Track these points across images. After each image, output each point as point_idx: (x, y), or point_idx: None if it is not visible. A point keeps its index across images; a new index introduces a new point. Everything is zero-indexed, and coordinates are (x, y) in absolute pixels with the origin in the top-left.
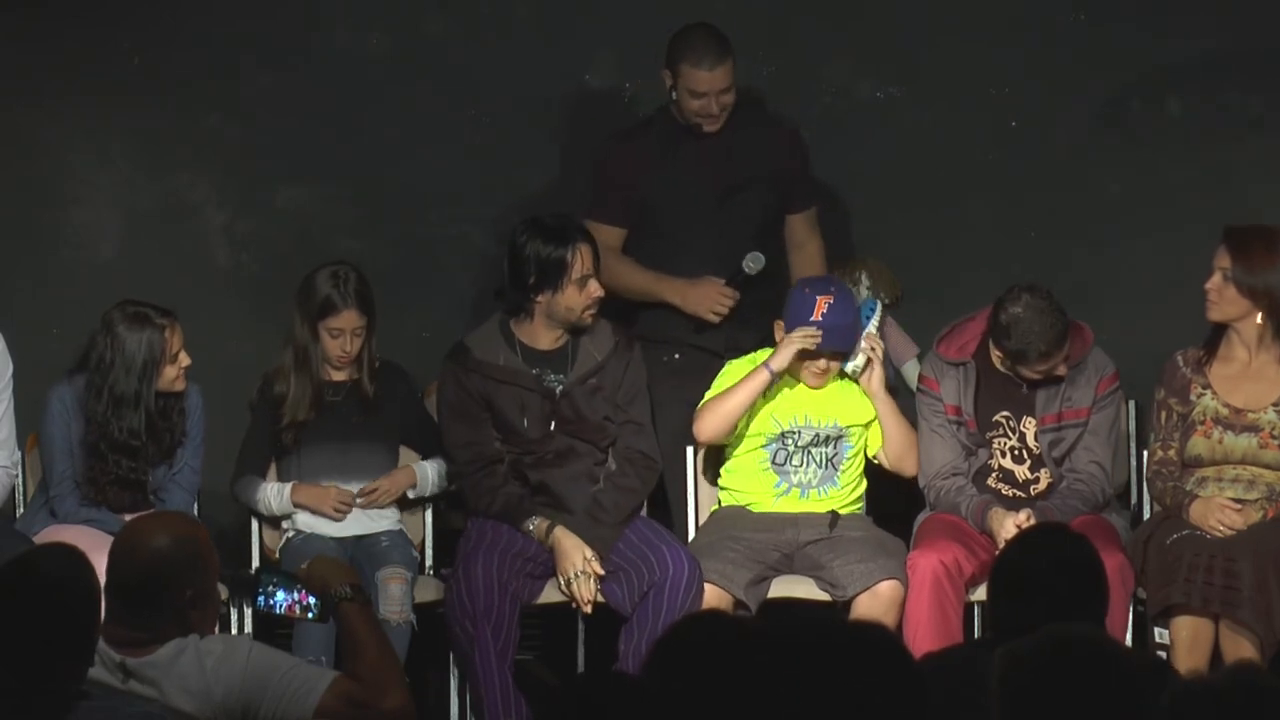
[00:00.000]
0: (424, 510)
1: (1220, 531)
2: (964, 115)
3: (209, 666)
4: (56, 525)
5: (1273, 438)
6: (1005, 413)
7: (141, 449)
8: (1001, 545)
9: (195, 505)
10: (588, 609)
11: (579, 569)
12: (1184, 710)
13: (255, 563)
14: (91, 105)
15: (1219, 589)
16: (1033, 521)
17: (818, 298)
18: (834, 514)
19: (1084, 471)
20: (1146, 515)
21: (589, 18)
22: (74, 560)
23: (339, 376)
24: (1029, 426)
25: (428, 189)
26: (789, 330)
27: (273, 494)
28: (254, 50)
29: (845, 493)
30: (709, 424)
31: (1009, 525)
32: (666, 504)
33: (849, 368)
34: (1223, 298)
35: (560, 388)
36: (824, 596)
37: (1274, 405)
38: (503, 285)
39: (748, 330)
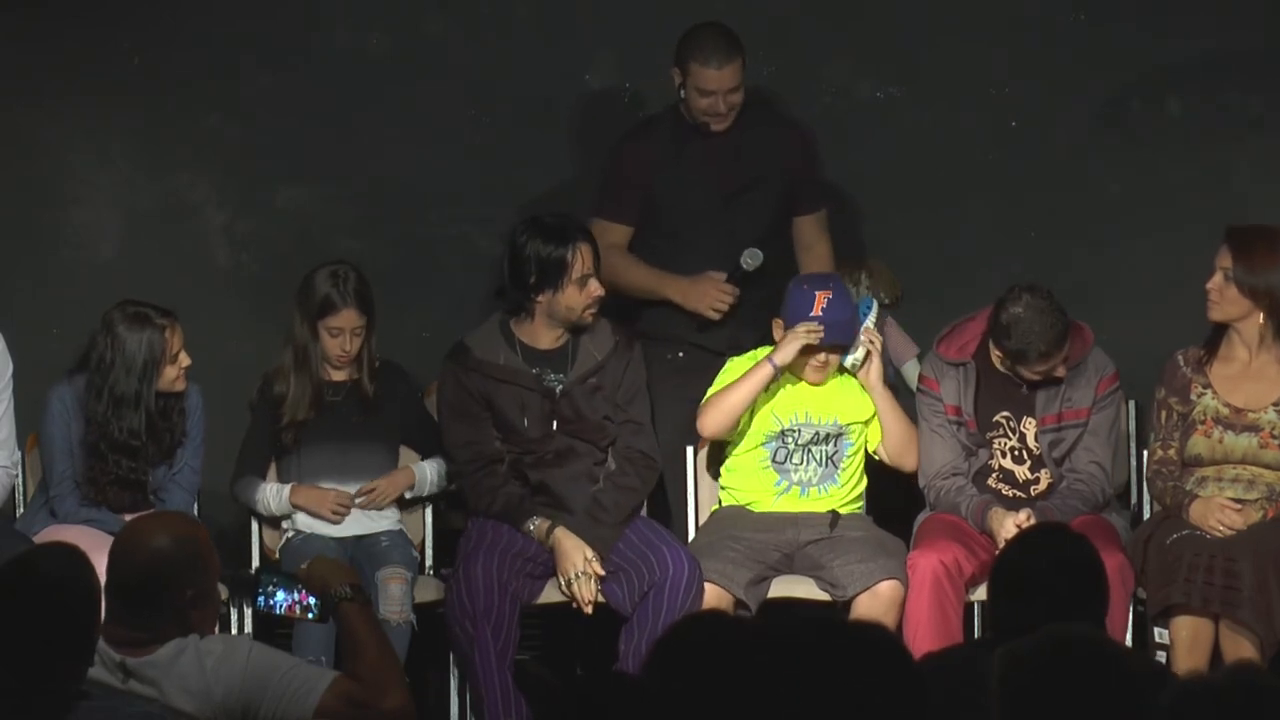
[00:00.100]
0: (424, 510)
1: (1220, 531)
2: (964, 115)
3: (209, 666)
4: (56, 525)
5: (1273, 437)
6: (1005, 413)
7: (141, 449)
8: (1001, 545)
9: (195, 505)
10: (588, 609)
11: (579, 569)
12: (1184, 710)
13: (255, 563)
14: (91, 105)
15: (1219, 589)
16: (1033, 521)
17: (816, 293)
18: (834, 514)
19: (1084, 472)
20: (1146, 515)
21: (589, 18)
22: (74, 560)
23: (339, 376)
24: (1029, 427)
25: (428, 189)
26: (789, 327)
27: (272, 495)
28: (254, 50)
29: (845, 491)
30: (712, 419)
31: (1009, 525)
32: (666, 504)
33: (848, 361)
34: (1224, 298)
35: (560, 387)
36: (824, 596)
37: (1274, 405)
38: (503, 285)
39: (750, 329)
